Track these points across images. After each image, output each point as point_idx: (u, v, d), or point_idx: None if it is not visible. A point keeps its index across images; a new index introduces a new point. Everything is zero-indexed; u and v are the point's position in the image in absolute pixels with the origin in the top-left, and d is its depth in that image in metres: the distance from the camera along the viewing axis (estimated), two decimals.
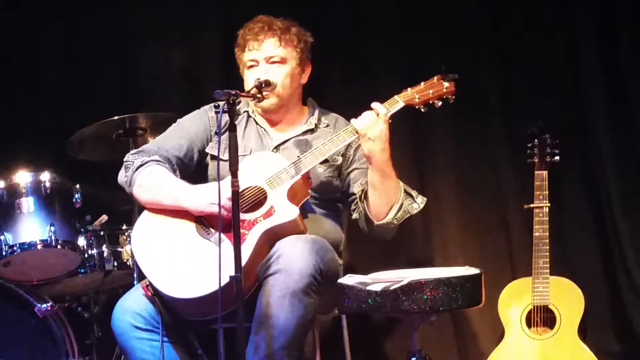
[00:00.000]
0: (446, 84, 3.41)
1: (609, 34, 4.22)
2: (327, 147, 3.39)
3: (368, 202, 3.44)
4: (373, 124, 3.33)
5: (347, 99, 4.03)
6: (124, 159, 3.53)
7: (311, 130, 3.61)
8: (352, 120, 3.38)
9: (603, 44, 4.23)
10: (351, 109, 3.50)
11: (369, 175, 3.42)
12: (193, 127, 3.60)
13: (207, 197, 3.29)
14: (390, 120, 3.37)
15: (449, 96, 3.43)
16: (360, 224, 3.53)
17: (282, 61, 3.53)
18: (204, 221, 3.36)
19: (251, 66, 3.53)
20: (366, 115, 3.36)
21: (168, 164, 3.50)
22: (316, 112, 3.66)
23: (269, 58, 3.52)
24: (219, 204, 3.05)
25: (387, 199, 3.41)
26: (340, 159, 3.57)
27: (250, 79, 3.50)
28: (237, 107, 3.64)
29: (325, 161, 3.51)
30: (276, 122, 3.62)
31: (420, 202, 3.48)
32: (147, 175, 3.44)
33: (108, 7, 4.58)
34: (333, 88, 3.77)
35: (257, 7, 3.73)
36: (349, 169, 3.58)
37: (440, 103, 3.43)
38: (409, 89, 3.43)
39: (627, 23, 4.20)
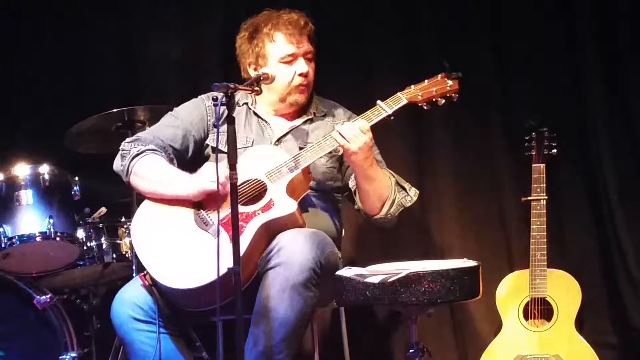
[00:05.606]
0: (450, 82, 3.40)
1: (609, 30, 4.21)
2: (328, 142, 3.38)
3: (360, 199, 3.47)
4: (355, 137, 3.30)
5: (349, 98, 4.01)
6: (120, 147, 3.53)
7: (310, 120, 3.61)
8: (338, 128, 3.34)
9: (602, 40, 4.22)
10: (354, 107, 3.50)
11: (355, 178, 3.44)
12: (189, 116, 3.59)
13: (206, 177, 3.29)
14: (392, 117, 3.36)
15: (453, 94, 3.41)
16: (362, 214, 3.55)
17: (313, 57, 3.55)
18: (203, 211, 3.35)
19: (288, 60, 3.51)
20: (349, 127, 3.32)
21: (164, 153, 3.50)
22: (314, 101, 3.65)
23: (305, 53, 3.52)
24: (217, 181, 3.04)
25: (377, 196, 3.43)
26: (342, 150, 3.57)
27: (289, 73, 3.49)
28: (237, 99, 3.64)
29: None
30: (283, 114, 3.61)
31: (413, 194, 3.50)
32: (144, 165, 3.45)
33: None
34: (334, 87, 3.77)
35: (257, 2, 3.72)
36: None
37: (443, 101, 3.41)
38: (412, 86, 3.41)
39: (627, 18, 4.20)
